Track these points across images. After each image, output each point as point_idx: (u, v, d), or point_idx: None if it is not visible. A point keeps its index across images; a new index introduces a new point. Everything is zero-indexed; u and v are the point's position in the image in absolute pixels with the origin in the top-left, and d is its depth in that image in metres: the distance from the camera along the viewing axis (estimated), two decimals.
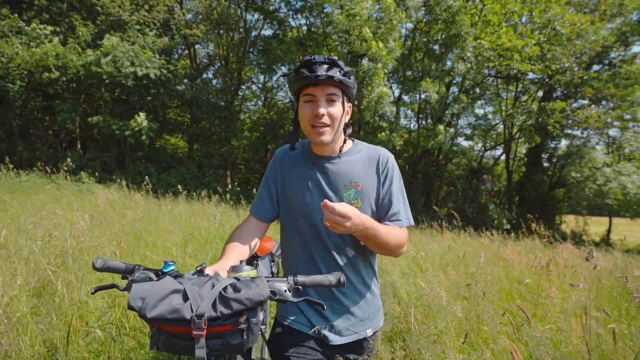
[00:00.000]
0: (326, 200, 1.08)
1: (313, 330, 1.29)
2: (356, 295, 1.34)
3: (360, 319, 1.34)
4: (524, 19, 14.60)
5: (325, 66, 1.17)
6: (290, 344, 1.28)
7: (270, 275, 1.78)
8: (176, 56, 14.47)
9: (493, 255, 4.78)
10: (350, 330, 1.31)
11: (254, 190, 11.54)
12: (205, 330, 0.83)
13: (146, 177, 7.11)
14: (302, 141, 1.43)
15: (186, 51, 16.03)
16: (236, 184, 15.90)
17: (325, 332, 1.29)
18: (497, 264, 3.89)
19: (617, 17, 14.20)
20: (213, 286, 0.89)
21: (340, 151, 1.30)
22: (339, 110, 1.23)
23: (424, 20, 13.83)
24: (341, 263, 1.31)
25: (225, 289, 0.89)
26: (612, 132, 17.61)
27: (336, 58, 1.20)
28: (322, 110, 1.20)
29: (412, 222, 1.34)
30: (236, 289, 0.89)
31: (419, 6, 12.58)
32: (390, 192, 1.32)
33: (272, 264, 1.85)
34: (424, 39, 13.51)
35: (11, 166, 10.73)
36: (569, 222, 21.48)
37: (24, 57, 9.42)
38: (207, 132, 17.03)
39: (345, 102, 1.27)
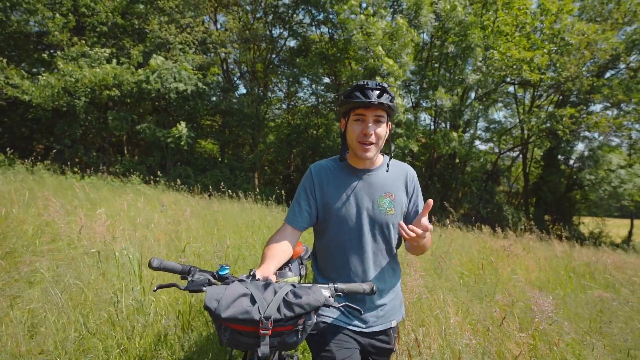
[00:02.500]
0: (401, 223, 1.29)
1: (344, 321, 1.48)
2: (385, 292, 1.52)
3: (387, 311, 1.53)
4: (536, 28, 15.30)
5: (377, 92, 1.35)
6: (329, 336, 1.45)
7: (299, 277, 1.97)
8: (210, 69, 16.06)
9: (480, 245, 5.86)
10: (378, 320, 1.51)
11: (279, 191, 12.91)
12: (270, 330, 0.96)
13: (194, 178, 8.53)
14: (332, 157, 1.58)
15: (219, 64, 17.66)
16: (262, 184, 17.40)
17: (357, 322, 1.48)
18: (477, 250, 5.01)
19: (629, 24, 14.67)
20: (275, 291, 1.02)
21: (388, 165, 1.51)
22: (384, 130, 1.42)
23: (438, 33, 14.81)
24: (373, 264, 1.48)
25: (287, 294, 1.02)
26: (633, 134, 17.95)
27: (386, 85, 1.37)
28: (371, 130, 1.38)
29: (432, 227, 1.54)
30: (297, 295, 1.01)
31: (431, 21, 13.58)
32: (417, 203, 1.55)
33: (300, 266, 2.02)
34: (436, 53, 14.48)
35: (76, 169, 12.58)
36: (588, 224, 21.71)
37: (90, 78, 11.17)
38: (237, 138, 18.62)
39: (387, 122, 1.45)
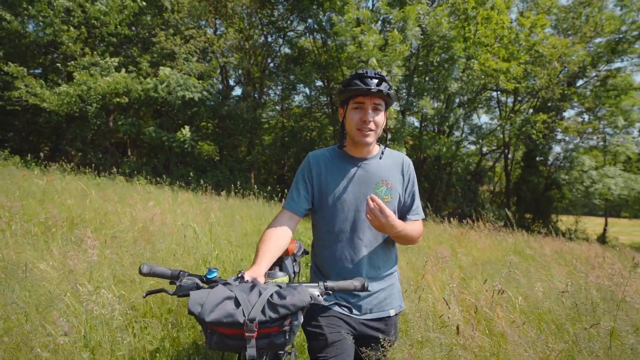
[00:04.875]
0: (373, 196, 1.30)
1: (339, 308, 1.47)
2: (380, 279, 1.51)
3: (382, 298, 1.51)
4: (514, 40, 16.61)
5: (376, 80, 1.38)
6: (322, 318, 1.45)
7: (293, 273, 1.97)
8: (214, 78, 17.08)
9: (443, 231, 7.00)
10: (374, 308, 1.49)
11: (279, 189, 13.97)
12: (256, 332, 0.97)
13: (198, 177, 9.55)
14: (330, 147, 1.59)
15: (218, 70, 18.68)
16: (259, 184, 18.43)
17: (351, 311, 1.42)
18: (438, 234, 6.16)
19: (597, 37, 16.09)
20: (259, 293, 1.03)
21: (382, 153, 1.52)
22: (382, 118, 1.45)
23: (424, 43, 16.03)
24: (369, 252, 1.48)
25: (272, 296, 1.03)
26: (595, 138, 19.38)
27: (385, 74, 1.43)
28: (370, 117, 1.40)
29: (424, 216, 1.56)
30: (281, 296, 1.02)
31: (417, 34, 14.77)
32: (413, 191, 1.58)
33: (294, 263, 2.03)
34: (421, 63, 15.71)
35: (88, 170, 13.49)
36: (565, 222, 23.14)
37: (103, 86, 12.13)
38: (235, 140, 19.65)
39: (385, 111, 1.47)
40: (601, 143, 20.92)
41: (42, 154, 16.56)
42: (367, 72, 1.38)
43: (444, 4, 15.06)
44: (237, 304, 0.99)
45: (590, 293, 2.29)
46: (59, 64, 13.30)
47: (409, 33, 14.19)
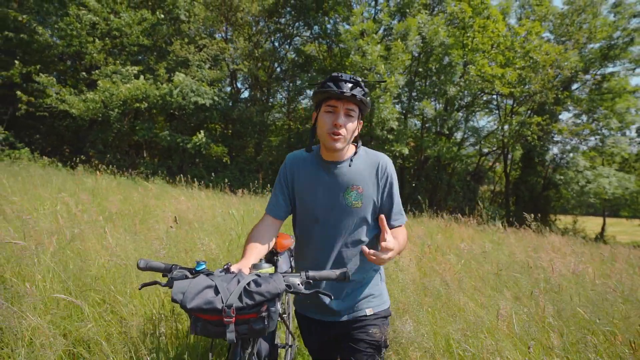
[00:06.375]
0: (367, 250, 1.23)
1: (318, 313, 1.55)
2: (356, 282, 1.52)
3: (356, 300, 1.52)
4: (509, 47, 17.41)
5: (350, 85, 1.36)
6: (305, 329, 1.61)
7: (290, 268, 2.09)
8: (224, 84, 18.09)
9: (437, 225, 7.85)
10: (347, 310, 1.52)
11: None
12: (234, 318, 1.04)
13: (222, 178, 10.47)
14: (314, 147, 1.58)
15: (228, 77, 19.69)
16: (267, 183, 19.38)
17: (327, 314, 1.52)
18: (428, 226, 7.03)
19: (589, 43, 16.84)
20: (239, 282, 1.10)
21: (351, 160, 1.49)
22: (354, 125, 1.43)
23: (423, 53, 16.92)
24: (341, 257, 1.50)
25: (249, 284, 1.09)
26: (593, 139, 20.09)
27: (360, 79, 1.39)
28: (342, 122, 1.38)
29: (406, 219, 1.58)
30: (257, 284, 1.09)
31: (417, 43, 15.65)
32: (391, 194, 1.52)
33: (290, 258, 2.13)
34: (421, 69, 16.59)
35: (110, 170, 14.55)
36: (564, 221, 23.84)
37: (124, 92, 13.17)
38: (243, 142, 20.65)
39: (359, 118, 1.45)
40: (599, 144, 21.65)
41: (65, 156, 17.72)
42: (342, 76, 1.38)
43: (442, 14, 15.92)
44: (217, 292, 1.06)
45: (516, 263, 3.17)
46: (83, 73, 14.38)
47: (409, 43, 15.08)
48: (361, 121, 1.48)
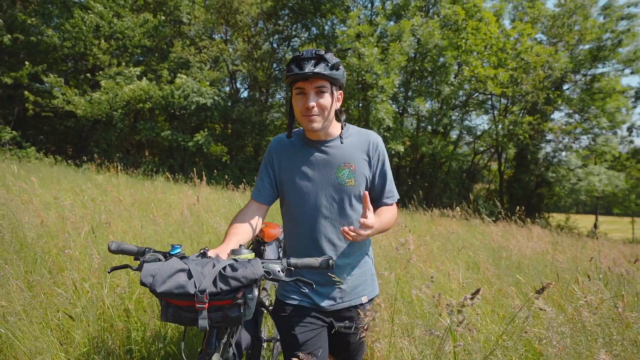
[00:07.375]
0: (344, 228, 1.21)
1: (310, 301, 1.46)
2: (349, 266, 1.47)
3: (354, 286, 1.48)
4: (501, 49, 17.91)
5: (312, 62, 1.28)
6: (295, 318, 1.46)
7: (278, 258, 1.90)
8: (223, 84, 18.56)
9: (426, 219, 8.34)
10: (345, 297, 1.47)
11: None
12: (207, 304, 0.97)
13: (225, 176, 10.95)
14: (297, 129, 1.53)
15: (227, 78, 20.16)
16: None
17: (323, 301, 1.45)
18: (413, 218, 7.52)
19: (579, 45, 17.36)
20: (214, 266, 1.03)
21: (342, 137, 1.44)
22: (327, 101, 1.35)
23: (418, 54, 17.42)
24: (337, 239, 1.44)
25: (224, 268, 1.02)
26: (586, 138, 20.61)
27: (323, 52, 1.29)
28: (312, 103, 1.32)
29: (398, 197, 1.53)
30: (234, 269, 1.02)
31: (412, 44, 16.14)
32: (383, 172, 1.49)
33: (279, 249, 2.07)
34: (417, 68, 17.09)
35: (113, 168, 15.01)
36: (557, 218, 24.41)
37: (128, 93, 13.63)
38: (243, 142, 21.13)
39: (335, 91, 1.37)
40: (591, 143, 22.17)
41: (68, 155, 18.17)
42: (302, 54, 1.30)
43: (437, 16, 16.41)
44: (190, 275, 1.00)
45: (478, 249, 3.66)
46: (88, 74, 14.84)
47: (404, 44, 15.56)
48: (340, 92, 1.43)
